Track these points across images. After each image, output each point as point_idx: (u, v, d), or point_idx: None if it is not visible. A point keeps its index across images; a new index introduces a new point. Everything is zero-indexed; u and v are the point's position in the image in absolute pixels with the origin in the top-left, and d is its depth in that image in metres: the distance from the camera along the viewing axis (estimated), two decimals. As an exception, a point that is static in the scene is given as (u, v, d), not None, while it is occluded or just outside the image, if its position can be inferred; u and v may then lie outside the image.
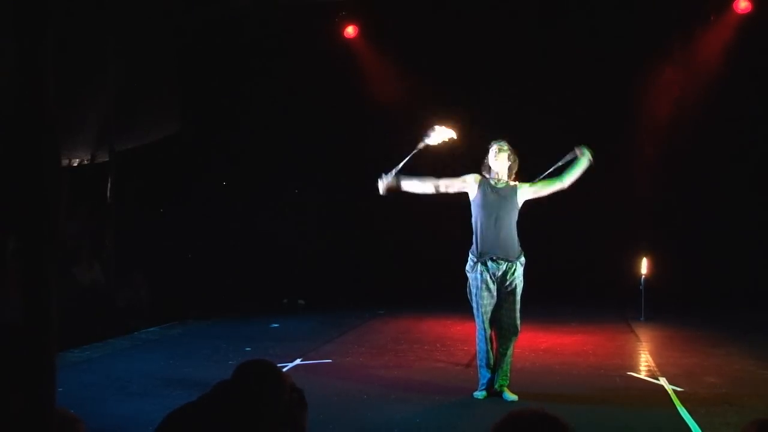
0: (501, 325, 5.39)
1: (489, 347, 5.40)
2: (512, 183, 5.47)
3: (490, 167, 5.47)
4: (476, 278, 5.33)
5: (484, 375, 5.42)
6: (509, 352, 5.42)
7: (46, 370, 1.33)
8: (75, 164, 9.31)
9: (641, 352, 7.34)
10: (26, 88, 1.33)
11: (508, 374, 5.45)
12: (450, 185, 5.50)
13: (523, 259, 5.40)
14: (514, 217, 5.40)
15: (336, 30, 10.68)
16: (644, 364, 6.73)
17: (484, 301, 5.31)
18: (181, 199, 10.18)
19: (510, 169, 5.47)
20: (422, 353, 7.27)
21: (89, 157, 9.34)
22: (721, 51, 10.06)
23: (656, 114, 10.59)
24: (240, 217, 10.58)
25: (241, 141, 10.77)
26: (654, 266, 9.42)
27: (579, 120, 10.71)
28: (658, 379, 6.00)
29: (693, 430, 4.66)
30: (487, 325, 5.36)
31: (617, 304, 9.82)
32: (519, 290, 5.35)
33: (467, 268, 5.44)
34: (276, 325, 9.07)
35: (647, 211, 10.67)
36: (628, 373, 6.30)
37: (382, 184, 5.42)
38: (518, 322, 5.37)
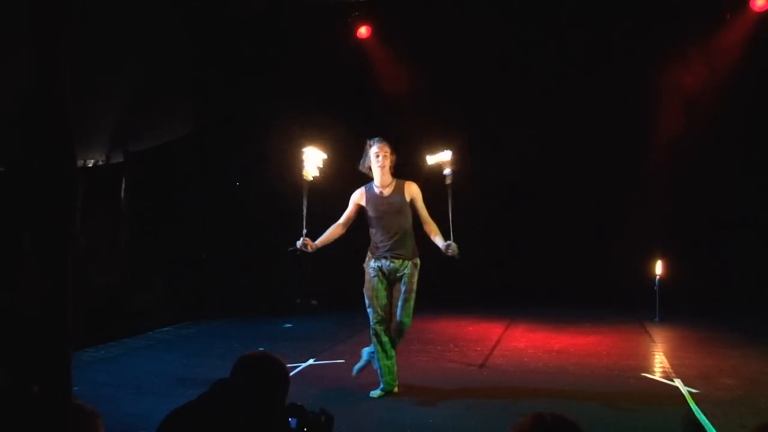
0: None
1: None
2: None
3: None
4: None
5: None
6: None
7: (61, 366, 1.34)
8: (90, 165, 9.38)
9: (656, 353, 7.29)
10: (43, 90, 1.34)
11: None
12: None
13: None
14: None
15: (349, 30, 10.69)
16: (659, 365, 6.68)
17: None
18: (195, 199, 10.23)
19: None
20: (435, 353, 7.27)
21: (104, 158, 9.41)
22: (737, 50, 9.92)
23: (671, 114, 10.50)
24: (253, 217, 10.60)
25: (254, 141, 10.79)
26: (669, 267, 9.36)
27: (592, 122, 10.66)
28: (673, 381, 5.96)
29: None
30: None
31: (631, 305, 9.76)
32: None
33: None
34: (289, 325, 9.09)
35: (662, 212, 10.59)
36: (643, 374, 6.26)
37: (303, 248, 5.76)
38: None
